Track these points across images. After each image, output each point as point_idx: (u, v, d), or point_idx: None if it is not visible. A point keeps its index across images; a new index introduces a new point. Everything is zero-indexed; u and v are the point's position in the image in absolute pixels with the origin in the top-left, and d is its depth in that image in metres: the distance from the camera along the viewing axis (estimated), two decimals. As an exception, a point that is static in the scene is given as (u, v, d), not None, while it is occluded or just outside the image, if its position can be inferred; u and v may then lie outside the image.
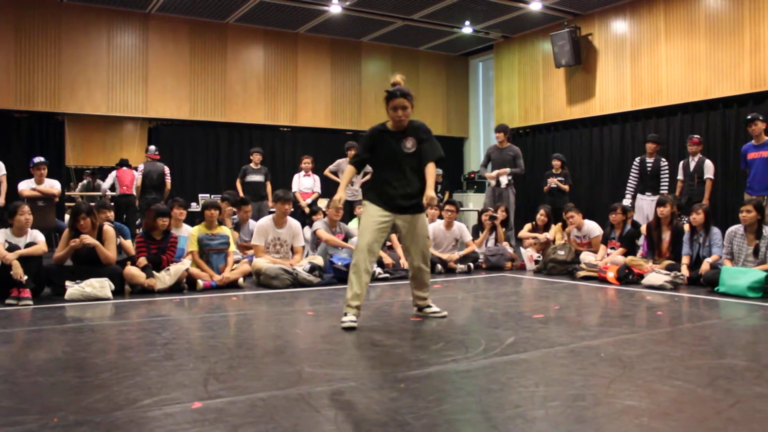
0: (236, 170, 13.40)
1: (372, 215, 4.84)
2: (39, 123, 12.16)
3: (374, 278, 7.44)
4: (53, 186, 8.99)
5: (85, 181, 13.22)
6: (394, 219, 4.87)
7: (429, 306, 5.18)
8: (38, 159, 9.01)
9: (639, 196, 9.60)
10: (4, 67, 11.69)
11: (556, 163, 11.00)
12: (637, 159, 9.78)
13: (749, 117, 8.56)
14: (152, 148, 10.93)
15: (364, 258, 4.73)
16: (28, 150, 11.15)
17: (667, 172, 9.49)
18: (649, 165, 9.54)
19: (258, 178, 10.57)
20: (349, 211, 9.14)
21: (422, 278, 5.10)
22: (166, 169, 10.74)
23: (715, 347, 4.05)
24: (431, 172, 4.79)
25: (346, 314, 4.66)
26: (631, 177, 9.76)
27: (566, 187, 10.85)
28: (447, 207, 8.76)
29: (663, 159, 9.61)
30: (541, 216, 9.19)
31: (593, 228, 8.54)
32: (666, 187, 9.42)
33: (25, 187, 8.84)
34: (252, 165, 10.63)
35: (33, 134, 12.08)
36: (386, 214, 4.84)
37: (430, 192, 4.68)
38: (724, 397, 2.92)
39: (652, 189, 9.47)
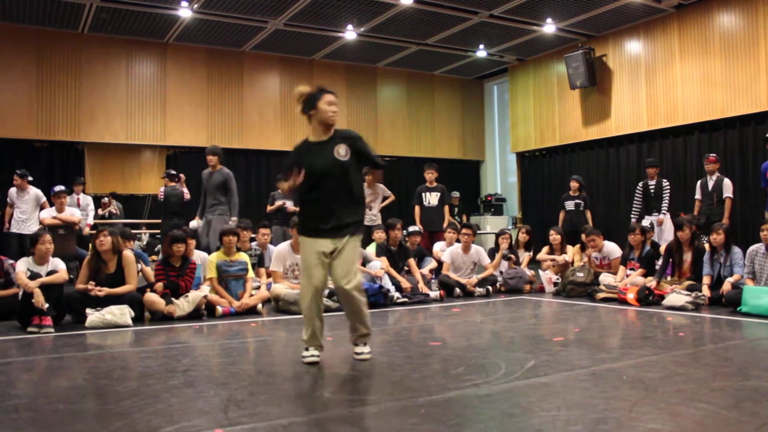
0: (254, 197, 13.54)
1: (311, 250, 4.22)
2: (59, 152, 12.37)
3: (393, 303, 7.43)
4: (74, 214, 9.10)
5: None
6: (335, 245, 4.23)
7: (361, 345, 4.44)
8: (59, 188, 9.14)
9: (648, 217, 9.84)
10: (26, 98, 11.92)
11: (573, 184, 10.96)
12: (640, 183, 10.34)
13: (768, 135, 8.54)
14: (172, 172, 10.93)
15: (316, 300, 4.28)
16: (49, 179, 11.30)
17: (668, 191, 9.95)
18: (652, 187, 9.91)
19: (289, 203, 10.56)
20: (367, 236, 9.15)
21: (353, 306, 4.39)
22: (186, 194, 10.74)
23: (740, 368, 3.99)
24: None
25: (307, 349, 4.30)
26: (635, 200, 10.28)
27: (588, 213, 10.79)
28: (464, 230, 8.74)
29: (664, 180, 10.02)
30: (553, 236, 9.14)
31: (612, 249, 8.48)
32: (666, 206, 9.87)
33: (46, 215, 8.97)
34: (279, 191, 10.65)
35: (53, 163, 12.28)
36: (325, 245, 4.23)
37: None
38: (750, 420, 2.87)
39: (657, 209, 9.92)
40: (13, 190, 9.51)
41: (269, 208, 10.57)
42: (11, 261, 6.61)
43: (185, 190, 10.74)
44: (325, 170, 4.22)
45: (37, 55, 12.03)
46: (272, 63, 14.10)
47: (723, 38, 10.91)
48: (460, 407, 3.20)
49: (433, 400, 3.28)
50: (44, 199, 9.53)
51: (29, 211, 9.36)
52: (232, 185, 8.82)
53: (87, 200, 10.52)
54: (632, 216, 10.13)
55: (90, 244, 6.57)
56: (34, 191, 9.51)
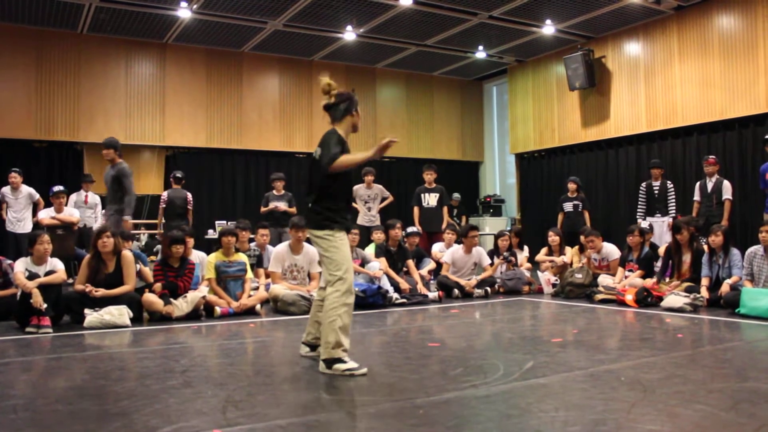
0: (253, 197, 13.53)
1: (347, 246, 4.21)
2: (58, 152, 12.35)
3: (391, 303, 7.43)
4: (72, 214, 9.10)
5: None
6: None
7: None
8: (57, 188, 9.14)
9: (649, 218, 9.84)
10: (25, 99, 11.91)
11: (571, 186, 10.97)
12: (644, 184, 10.28)
13: (767, 137, 8.54)
14: (178, 175, 10.92)
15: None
16: (48, 179, 11.29)
17: (673, 193, 10.01)
18: (656, 188, 9.88)
19: (281, 204, 10.52)
20: (366, 236, 9.16)
21: None
22: (189, 196, 10.77)
23: (738, 370, 4.00)
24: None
25: (345, 360, 3.99)
26: (639, 201, 10.25)
27: (586, 213, 10.79)
28: (471, 233, 8.71)
29: (669, 182, 10.00)
30: (551, 237, 9.15)
31: (611, 251, 8.49)
32: (674, 208, 9.82)
33: (45, 215, 8.97)
34: (274, 192, 10.63)
35: (52, 164, 12.26)
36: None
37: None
38: (748, 421, 2.87)
39: (661, 211, 9.92)
40: (6, 189, 9.53)
41: (263, 209, 10.56)
42: (9, 261, 6.61)
43: (189, 194, 10.76)
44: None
45: (37, 55, 12.02)
46: (271, 64, 14.09)
47: (722, 40, 10.91)
48: (458, 408, 3.20)
49: (432, 401, 3.29)
50: (38, 196, 9.57)
51: (22, 210, 9.41)
52: (126, 182, 7.85)
53: (95, 199, 10.51)
54: (638, 217, 10.13)
55: (92, 242, 6.55)
56: (26, 189, 9.58)
